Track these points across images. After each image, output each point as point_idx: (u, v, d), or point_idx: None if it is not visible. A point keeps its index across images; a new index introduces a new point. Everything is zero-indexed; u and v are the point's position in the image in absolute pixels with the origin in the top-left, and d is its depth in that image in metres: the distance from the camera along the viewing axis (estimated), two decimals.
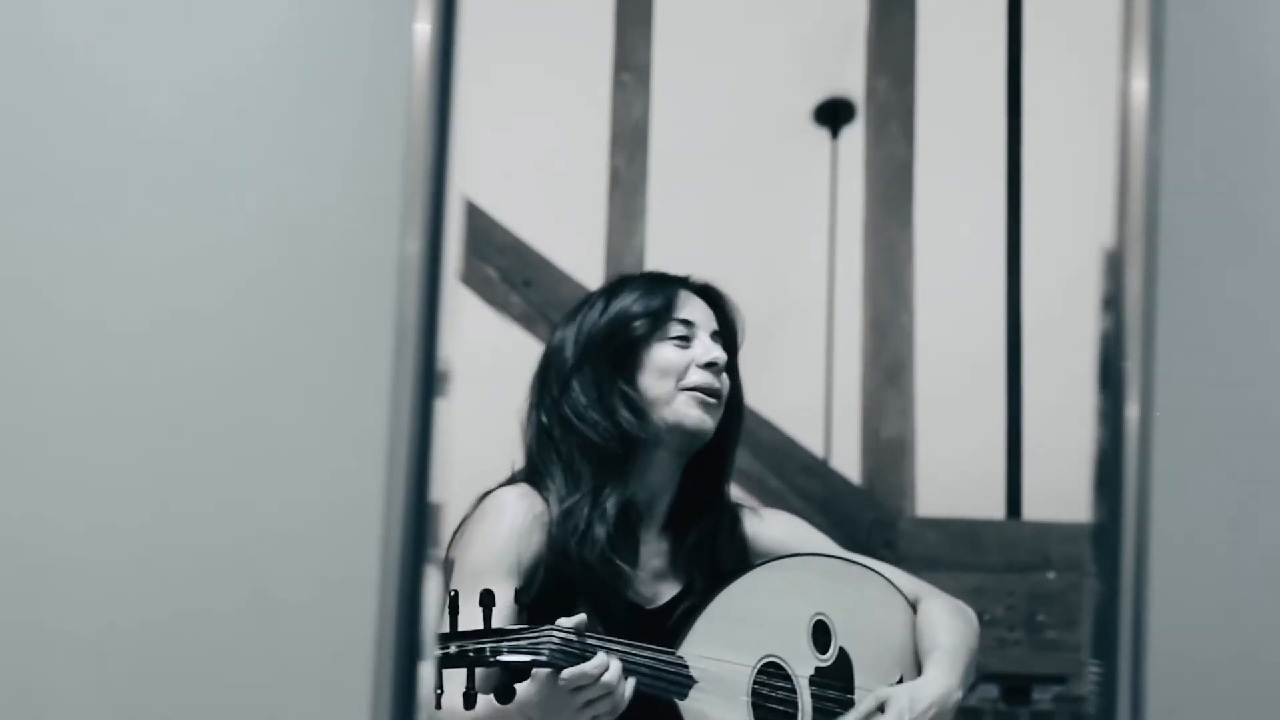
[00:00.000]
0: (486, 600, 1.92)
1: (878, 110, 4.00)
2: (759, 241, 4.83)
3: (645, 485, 2.17)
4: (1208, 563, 1.30)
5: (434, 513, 1.27)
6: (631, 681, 1.95)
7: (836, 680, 2.17)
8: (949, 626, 2.23)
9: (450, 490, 1.30)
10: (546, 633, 1.92)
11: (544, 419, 2.17)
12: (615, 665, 1.93)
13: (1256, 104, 1.35)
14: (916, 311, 3.90)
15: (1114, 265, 1.31)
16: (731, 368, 2.22)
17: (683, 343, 2.17)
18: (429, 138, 1.29)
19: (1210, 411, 1.32)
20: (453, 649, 1.90)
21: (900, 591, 2.27)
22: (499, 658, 1.90)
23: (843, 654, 2.19)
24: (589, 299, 2.24)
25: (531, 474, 2.17)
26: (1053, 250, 3.91)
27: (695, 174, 4.53)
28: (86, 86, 1.32)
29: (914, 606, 2.27)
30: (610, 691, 1.92)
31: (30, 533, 1.27)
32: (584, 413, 2.14)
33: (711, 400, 2.16)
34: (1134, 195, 1.31)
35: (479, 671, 1.92)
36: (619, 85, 3.95)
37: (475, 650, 1.90)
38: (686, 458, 2.19)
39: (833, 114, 4.70)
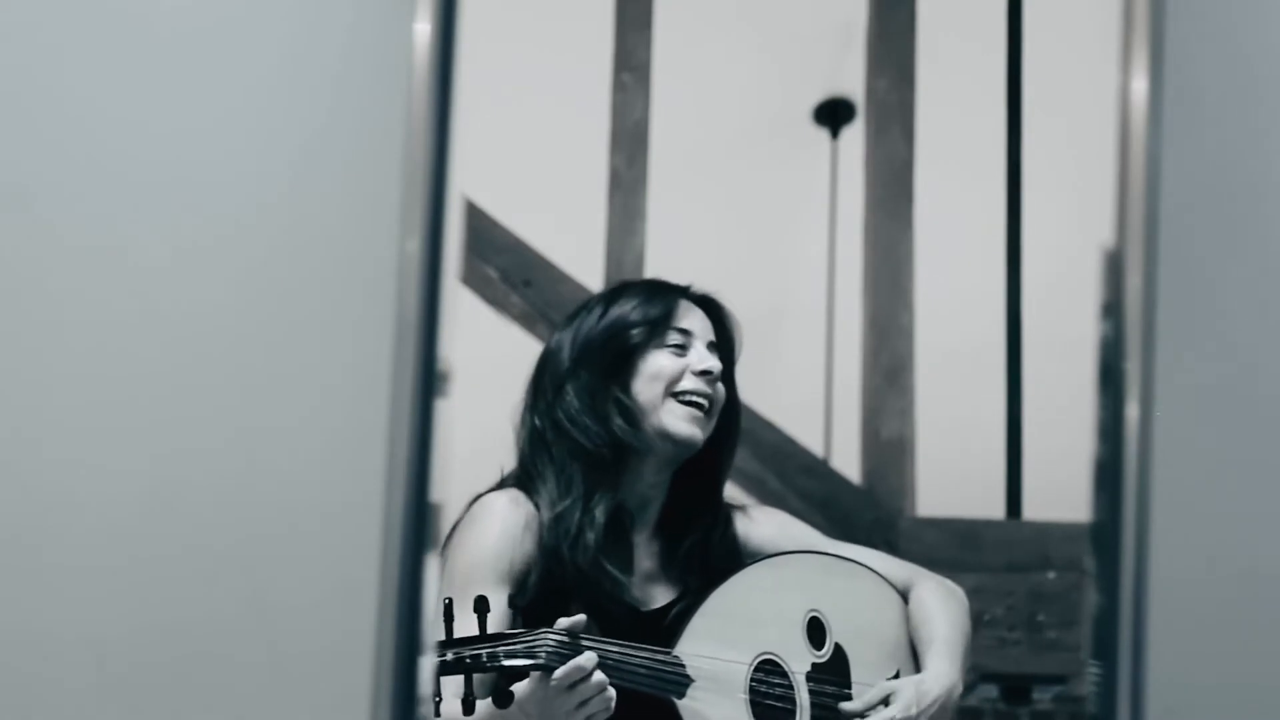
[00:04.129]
0: (481, 606, 1.92)
1: (878, 110, 4.00)
2: (759, 241, 4.84)
3: (635, 491, 2.17)
4: (1208, 563, 1.30)
5: (434, 513, 1.27)
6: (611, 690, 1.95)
7: (833, 676, 2.17)
8: (944, 615, 2.23)
9: (450, 490, 1.30)
10: (542, 635, 1.92)
11: (537, 422, 2.17)
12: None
13: (1256, 104, 1.35)
14: (916, 311, 3.90)
15: (1114, 265, 1.31)
16: (728, 380, 2.23)
17: (679, 351, 2.17)
18: (429, 138, 1.29)
19: (1210, 412, 1.32)
20: (449, 656, 1.90)
21: (891, 584, 2.27)
22: (496, 663, 1.91)
23: (838, 650, 2.19)
24: (587, 304, 2.24)
25: (522, 477, 2.16)
26: (1053, 250, 3.91)
27: (695, 174, 4.53)
28: (85, 86, 1.32)
29: (905, 594, 2.27)
30: (604, 687, 1.92)
31: (28, 534, 1.27)
32: (576, 417, 2.14)
33: (700, 411, 2.15)
34: (1134, 195, 1.31)
35: (476, 677, 1.92)
36: (619, 85, 3.95)
37: (472, 656, 1.91)
38: (676, 465, 2.19)
39: (833, 114, 4.70)
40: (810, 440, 3.98)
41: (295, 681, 1.26)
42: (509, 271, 3.83)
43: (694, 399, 2.15)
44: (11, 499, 1.27)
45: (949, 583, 2.29)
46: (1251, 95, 1.35)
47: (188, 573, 1.26)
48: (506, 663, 1.90)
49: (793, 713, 2.13)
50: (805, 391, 4.62)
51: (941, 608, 2.24)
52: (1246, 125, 1.35)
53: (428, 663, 1.28)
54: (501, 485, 2.18)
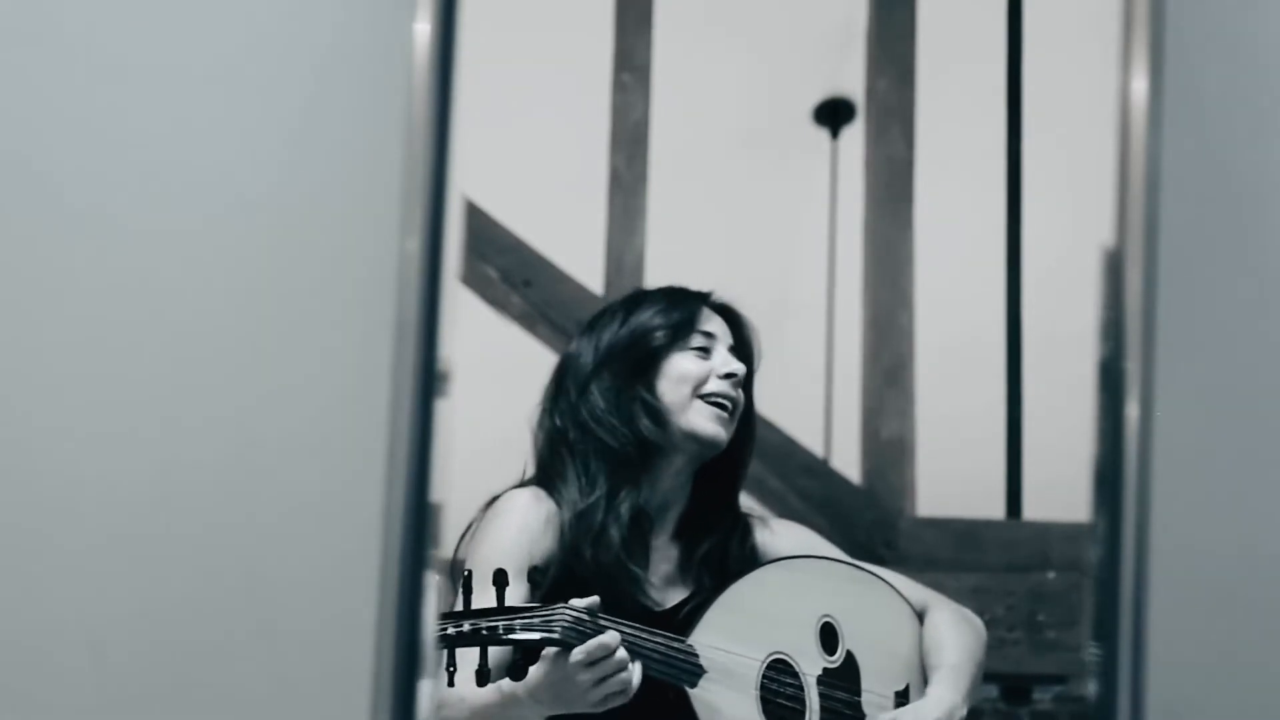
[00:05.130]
0: (500, 579, 1.93)
1: (878, 110, 4.00)
2: (759, 241, 4.84)
3: (657, 492, 2.19)
4: (1208, 563, 1.30)
5: (434, 513, 1.27)
6: (639, 665, 1.95)
7: (844, 682, 2.17)
8: (955, 640, 2.24)
9: (450, 490, 1.30)
10: (559, 610, 1.92)
11: (559, 423, 2.19)
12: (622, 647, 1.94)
13: (1256, 104, 1.35)
14: (916, 311, 3.90)
15: (1114, 265, 1.31)
16: (744, 384, 2.25)
17: (703, 354, 2.21)
18: (429, 138, 1.29)
19: (1210, 411, 1.32)
20: (466, 627, 1.91)
21: (907, 601, 2.27)
22: (512, 635, 1.91)
23: (850, 657, 2.19)
24: (608, 310, 2.28)
25: (543, 478, 2.18)
26: (1053, 250, 3.91)
27: (695, 174, 4.53)
28: (85, 87, 1.32)
29: (921, 616, 2.27)
30: (624, 668, 1.92)
31: (28, 535, 1.27)
32: (602, 417, 2.16)
33: (726, 412, 2.19)
34: (1134, 195, 1.31)
35: (491, 653, 1.92)
36: (619, 85, 3.95)
37: (488, 628, 1.91)
38: (697, 467, 2.22)
39: (833, 114, 4.70)
40: (810, 440, 3.98)
41: (295, 681, 1.26)
42: (509, 271, 3.83)
43: (719, 400, 2.19)
44: (11, 499, 1.27)
45: (966, 610, 2.30)
46: (1252, 95, 1.35)
47: (187, 573, 1.26)
48: (522, 635, 1.91)
49: (802, 714, 2.13)
50: (805, 391, 4.61)
51: (954, 633, 2.25)
52: (1247, 125, 1.35)
53: (427, 663, 1.28)
54: (522, 485, 2.19)
